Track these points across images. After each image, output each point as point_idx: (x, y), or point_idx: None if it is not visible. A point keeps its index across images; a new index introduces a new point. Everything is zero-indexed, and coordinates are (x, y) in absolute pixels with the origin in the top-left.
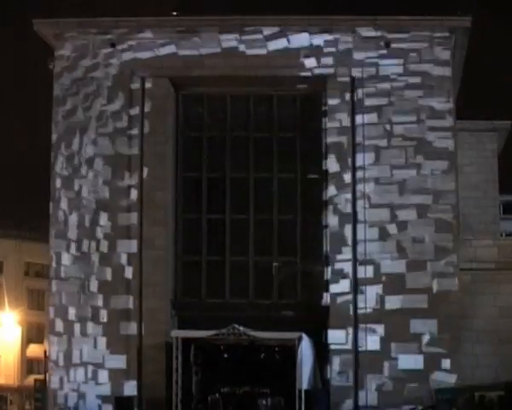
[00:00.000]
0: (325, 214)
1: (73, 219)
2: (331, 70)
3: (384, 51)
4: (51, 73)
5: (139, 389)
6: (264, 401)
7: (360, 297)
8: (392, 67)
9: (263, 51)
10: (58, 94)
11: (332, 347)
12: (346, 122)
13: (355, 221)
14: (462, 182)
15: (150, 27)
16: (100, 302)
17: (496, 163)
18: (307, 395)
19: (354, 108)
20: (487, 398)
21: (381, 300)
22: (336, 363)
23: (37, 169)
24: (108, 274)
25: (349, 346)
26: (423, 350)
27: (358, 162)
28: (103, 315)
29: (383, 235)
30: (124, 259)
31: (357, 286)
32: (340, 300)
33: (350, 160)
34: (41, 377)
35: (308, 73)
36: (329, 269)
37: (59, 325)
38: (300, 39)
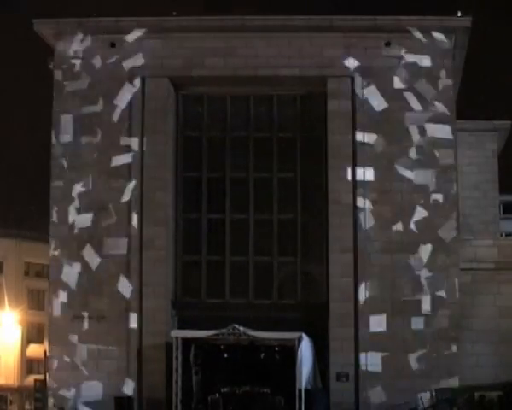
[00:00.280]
0: (325, 214)
1: (73, 218)
2: (331, 70)
3: (384, 51)
4: (51, 73)
5: (139, 389)
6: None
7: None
8: (392, 66)
9: (263, 51)
10: (58, 93)
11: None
12: (347, 122)
13: (355, 221)
14: (462, 182)
15: (150, 27)
16: (100, 302)
17: (496, 163)
18: (307, 395)
19: (354, 107)
20: (487, 398)
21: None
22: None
23: (37, 169)
24: (108, 274)
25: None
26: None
27: (359, 162)
28: (103, 315)
29: (384, 234)
30: (124, 259)
31: (357, 285)
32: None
33: (350, 160)
34: (41, 377)
35: (308, 73)
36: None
37: (59, 325)
38: (300, 39)
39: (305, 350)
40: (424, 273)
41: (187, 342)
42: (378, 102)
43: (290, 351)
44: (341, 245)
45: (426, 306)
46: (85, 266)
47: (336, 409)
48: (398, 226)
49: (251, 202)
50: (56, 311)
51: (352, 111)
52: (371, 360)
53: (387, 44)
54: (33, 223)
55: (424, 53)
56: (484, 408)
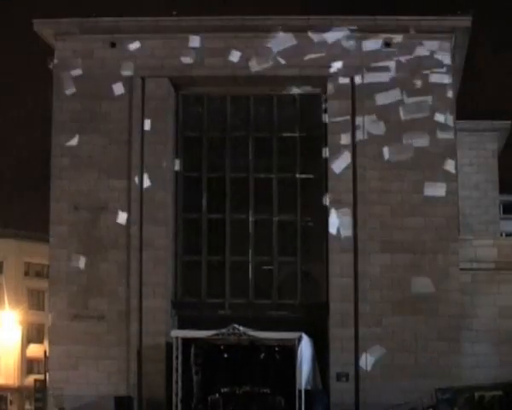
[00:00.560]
0: (325, 214)
1: (73, 219)
2: (331, 70)
3: (384, 51)
4: (51, 73)
5: (139, 389)
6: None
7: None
8: (392, 66)
9: (263, 51)
10: (58, 94)
11: None
12: (347, 122)
13: (355, 221)
14: (462, 182)
15: (150, 27)
16: (100, 302)
17: (496, 163)
18: (307, 395)
19: (354, 107)
20: (487, 398)
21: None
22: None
23: (37, 169)
24: (108, 274)
25: None
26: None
27: (359, 161)
28: (103, 315)
29: (384, 234)
30: (124, 259)
31: (357, 285)
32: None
33: (350, 159)
34: (41, 377)
35: (308, 73)
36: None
37: (59, 325)
38: (300, 39)
39: (305, 350)
40: (424, 273)
41: (187, 342)
42: (378, 102)
43: (290, 351)
44: (341, 245)
45: (426, 306)
46: (85, 265)
47: (336, 409)
48: (398, 226)
49: (251, 202)
50: (56, 311)
51: (352, 111)
52: (371, 360)
53: (387, 44)
54: (33, 223)
55: (424, 53)
56: (484, 408)
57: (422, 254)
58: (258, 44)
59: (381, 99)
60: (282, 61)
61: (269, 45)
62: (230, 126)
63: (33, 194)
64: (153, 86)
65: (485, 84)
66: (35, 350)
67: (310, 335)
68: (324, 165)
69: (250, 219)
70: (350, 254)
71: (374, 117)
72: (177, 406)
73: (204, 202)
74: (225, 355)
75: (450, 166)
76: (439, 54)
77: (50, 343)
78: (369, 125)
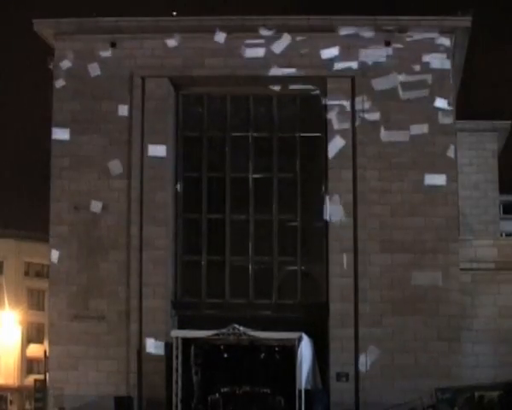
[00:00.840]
0: (325, 214)
1: (73, 219)
2: (331, 70)
3: (384, 51)
4: (51, 73)
5: (139, 389)
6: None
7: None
8: (392, 66)
9: (263, 51)
10: (58, 94)
11: None
12: (347, 122)
13: (355, 221)
14: (462, 182)
15: (150, 27)
16: (100, 302)
17: (496, 163)
18: (307, 395)
19: (354, 107)
20: (487, 398)
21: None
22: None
23: (37, 169)
24: (108, 274)
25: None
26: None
27: (359, 161)
28: (103, 315)
29: (384, 234)
30: (124, 259)
31: (357, 285)
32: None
33: (350, 159)
34: (41, 377)
35: (308, 73)
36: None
37: (59, 325)
38: (300, 39)
39: (305, 350)
40: (424, 273)
41: (187, 342)
42: (378, 102)
43: (290, 351)
44: (341, 245)
45: (426, 306)
46: (85, 265)
47: (336, 409)
48: (398, 226)
49: (251, 202)
50: (56, 311)
51: (352, 111)
52: (368, 362)
53: (387, 44)
54: (33, 223)
55: (424, 53)
56: (484, 408)
57: (422, 254)
58: (258, 44)
59: (381, 99)
60: (282, 61)
61: (269, 45)
62: (230, 126)
63: (33, 194)
64: (153, 86)
65: (485, 85)
66: (35, 350)
67: (310, 335)
68: (324, 165)
69: (250, 219)
70: (350, 254)
71: (374, 117)
72: (177, 406)
73: (204, 202)
74: (225, 355)
75: (450, 164)
76: (439, 54)
77: (50, 343)
78: (370, 125)
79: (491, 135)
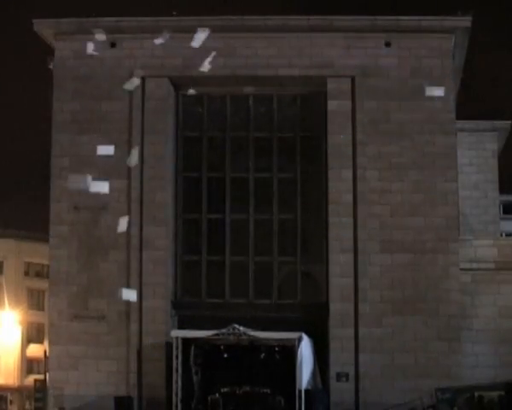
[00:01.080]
0: (325, 214)
1: (73, 219)
2: (331, 70)
3: (384, 51)
4: (51, 73)
5: (139, 389)
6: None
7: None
8: (392, 66)
9: (263, 51)
10: (58, 94)
11: None
12: (347, 122)
13: (355, 221)
14: (462, 182)
15: (150, 27)
16: (100, 302)
17: (496, 163)
18: (307, 395)
19: (354, 107)
20: (487, 398)
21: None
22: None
23: (37, 169)
24: (108, 274)
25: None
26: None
27: (359, 161)
28: (103, 315)
29: (384, 234)
30: (124, 259)
31: (357, 285)
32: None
33: (350, 160)
34: (41, 377)
35: (308, 73)
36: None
37: (58, 325)
38: (300, 39)
39: (305, 350)
40: (424, 273)
41: (187, 341)
42: (378, 102)
43: (290, 351)
44: (341, 245)
45: (426, 306)
46: (85, 265)
47: (336, 409)
48: (398, 226)
49: (251, 202)
50: (56, 311)
51: (352, 111)
52: (371, 360)
53: (387, 44)
54: (33, 223)
55: (424, 53)
56: (484, 408)
57: (422, 254)
58: (258, 44)
59: (382, 99)
60: (283, 61)
61: (269, 45)
62: (230, 126)
63: (33, 194)
64: (153, 86)
65: (485, 84)
66: (35, 350)
67: (310, 335)
68: (324, 165)
69: (250, 219)
70: (350, 254)
71: (374, 117)
72: (177, 406)
73: (204, 202)
74: (225, 355)
75: (450, 165)
76: (439, 54)
77: (50, 343)
78: (370, 125)
79: (491, 135)
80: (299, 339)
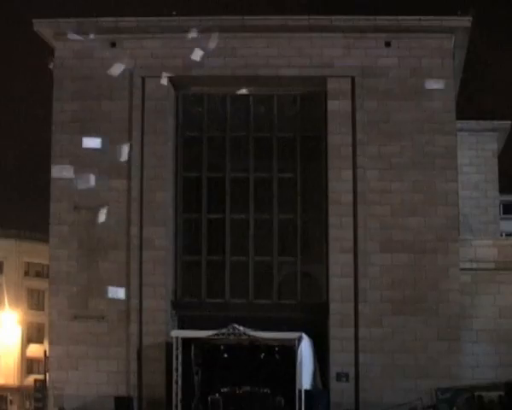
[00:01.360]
0: (325, 214)
1: (73, 218)
2: (331, 70)
3: (384, 51)
4: (51, 73)
5: (139, 389)
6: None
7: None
8: (392, 66)
9: (263, 51)
10: (58, 94)
11: None
12: (347, 121)
13: (355, 221)
14: (462, 182)
15: (150, 27)
16: (100, 302)
17: (496, 163)
18: (307, 395)
19: (354, 107)
20: (487, 398)
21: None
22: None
23: (37, 169)
24: (108, 274)
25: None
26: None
27: (359, 161)
28: (103, 315)
29: (384, 234)
30: (124, 259)
31: (357, 285)
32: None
33: (350, 160)
34: (41, 377)
35: (308, 73)
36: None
37: (59, 325)
38: (300, 39)
39: (305, 350)
40: (424, 273)
41: (187, 342)
42: (378, 102)
43: (290, 351)
44: (341, 245)
45: (426, 306)
46: (85, 265)
47: (336, 409)
48: (398, 226)
49: (251, 202)
50: (56, 311)
51: (352, 111)
52: (371, 360)
53: (387, 44)
54: (33, 223)
55: (424, 53)
56: (484, 408)
57: (422, 254)
58: (258, 44)
59: (382, 99)
60: (283, 61)
61: (269, 45)
62: (230, 126)
63: (33, 194)
64: (153, 86)
65: (485, 85)
66: (35, 350)
67: (310, 335)
68: (324, 165)
69: (250, 219)
70: (350, 254)
71: (374, 117)
72: (177, 406)
73: (204, 202)
74: (225, 355)
75: (450, 165)
76: (439, 54)
77: (50, 343)
78: (370, 125)
79: (491, 135)
80: (299, 339)
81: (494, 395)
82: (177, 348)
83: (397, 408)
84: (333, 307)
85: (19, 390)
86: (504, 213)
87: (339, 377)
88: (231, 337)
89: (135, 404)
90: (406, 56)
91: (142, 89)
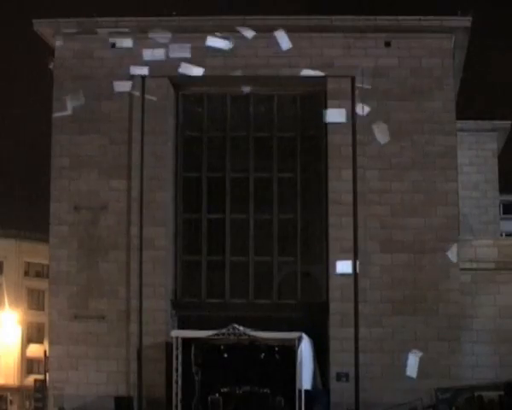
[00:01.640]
0: (325, 214)
1: (73, 219)
2: (331, 70)
3: (384, 51)
4: (51, 73)
5: (139, 389)
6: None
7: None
8: (392, 66)
9: (263, 51)
10: (58, 94)
11: None
12: (347, 121)
13: (355, 221)
14: (462, 182)
15: (150, 27)
16: (100, 302)
17: (496, 163)
18: (307, 395)
19: (354, 107)
20: (487, 398)
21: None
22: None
23: (37, 169)
24: (108, 274)
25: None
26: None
27: (359, 161)
28: (103, 315)
29: (384, 234)
30: (124, 259)
31: (357, 285)
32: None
33: (350, 160)
34: (41, 377)
35: (308, 73)
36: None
37: (59, 325)
38: (300, 39)
39: (305, 350)
40: (424, 273)
41: (187, 342)
42: (378, 102)
43: (290, 351)
44: (341, 245)
45: (426, 306)
46: (85, 265)
47: (336, 409)
48: (398, 226)
49: (251, 202)
50: (56, 311)
51: (352, 111)
52: (371, 360)
53: (387, 44)
54: (33, 223)
55: (424, 53)
56: (484, 408)
57: (422, 254)
58: (258, 44)
59: (381, 99)
60: (283, 61)
61: (269, 45)
62: (230, 126)
63: (33, 194)
64: (153, 86)
65: (485, 85)
66: (35, 350)
67: (310, 335)
68: (324, 165)
69: (250, 219)
70: (350, 254)
71: (374, 117)
72: (177, 406)
73: (204, 202)
74: (225, 355)
75: (450, 165)
76: (439, 54)
77: (50, 343)
78: (370, 125)
79: (491, 135)
80: (299, 339)
81: (494, 395)
82: (177, 348)
83: (397, 408)
84: (333, 306)
85: (19, 390)
86: (504, 213)
87: (339, 377)
88: (231, 337)
89: (135, 404)
90: (406, 56)
91: (142, 89)
